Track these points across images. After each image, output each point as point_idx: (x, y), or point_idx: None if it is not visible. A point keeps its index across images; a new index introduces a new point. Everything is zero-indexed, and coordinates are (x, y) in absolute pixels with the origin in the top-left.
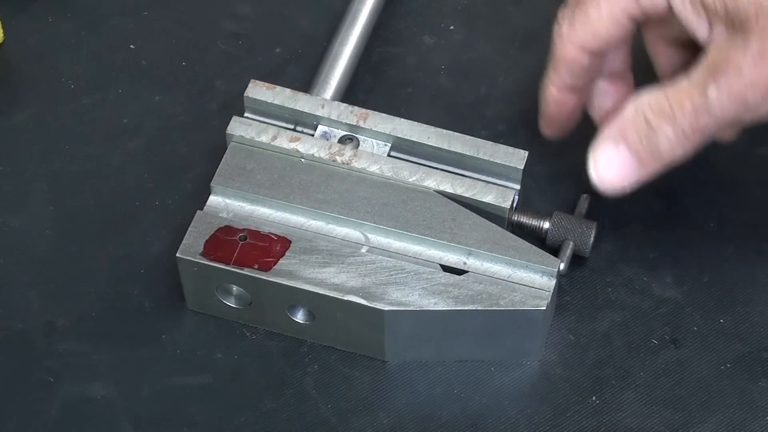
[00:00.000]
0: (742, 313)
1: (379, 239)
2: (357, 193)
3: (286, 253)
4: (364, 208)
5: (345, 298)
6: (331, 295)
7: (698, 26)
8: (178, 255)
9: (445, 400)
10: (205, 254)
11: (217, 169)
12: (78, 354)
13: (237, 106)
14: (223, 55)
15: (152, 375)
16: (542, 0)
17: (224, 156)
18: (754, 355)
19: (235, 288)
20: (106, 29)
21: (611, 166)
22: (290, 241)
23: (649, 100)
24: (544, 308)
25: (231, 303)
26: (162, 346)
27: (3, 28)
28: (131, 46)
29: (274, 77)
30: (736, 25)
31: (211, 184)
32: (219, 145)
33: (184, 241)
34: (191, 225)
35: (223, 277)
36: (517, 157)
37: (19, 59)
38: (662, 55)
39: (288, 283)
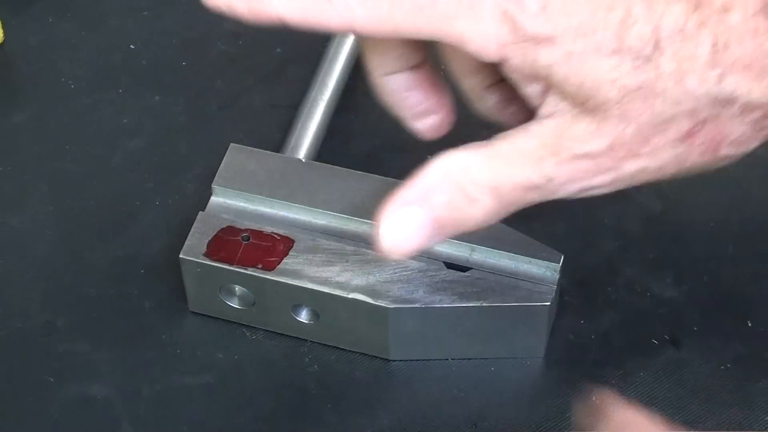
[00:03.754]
0: (742, 313)
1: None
2: (359, 191)
3: (290, 253)
4: (366, 207)
5: (349, 296)
6: (336, 293)
7: (531, 91)
8: (181, 256)
9: (445, 400)
10: (208, 255)
11: (218, 170)
12: (78, 354)
13: (237, 106)
14: (223, 55)
15: (152, 375)
16: None
17: (225, 157)
18: (754, 355)
19: (238, 288)
20: (106, 29)
21: (406, 230)
22: (293, 241)
23: (467, 165)
24: (548, 303)
25: (234, 304)
26: (162, 347)
27: (3, 28)
28: (131, 46)
29: (274, 77)
30: (588, 105)
31: (213, 185)
32: (219, 145)
33: (186, 242)
34: (194, 226)
35: (227, 277)
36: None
37: (19, 59)
38: (463, 71)
39: (292, 283)
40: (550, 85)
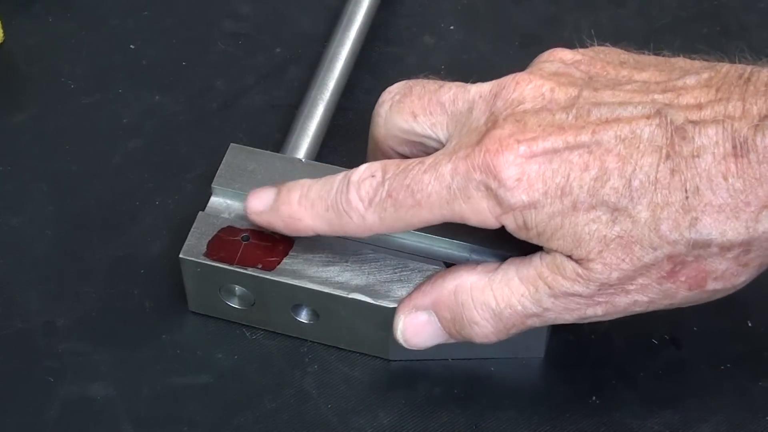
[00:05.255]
0: (742, 313)
1: (381, 236)
2: None
3: (290, 253)
4: None
5: (350, 297)
6: (336, 293)
7: (534, 240)
8: (181, 256)
9: (445, 400)
10: (208, 255)
11: (218, 170)
12: (78, 354)
13: (237, 106)
14: (223, 55)
15: (152, 375)
16: (542, 0)
17: (224, 157)
18: (754, 355)
19: (238, 288)
20: (106, 29)
21: (421, 334)
22: (293, 241)
23: (472, 287)
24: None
25: (234, 304)
26: (162, 346)
27: (3, 28)
28: (131, 46)
29: (274, 77)
30: (574, 256)
31: (212, 185)
32: (219, 145)
33: (186, 242)
34: (193, 226)
35: (227, 277)
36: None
37: (19, 59)
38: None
39: (292, 282)
40: (543, 243)
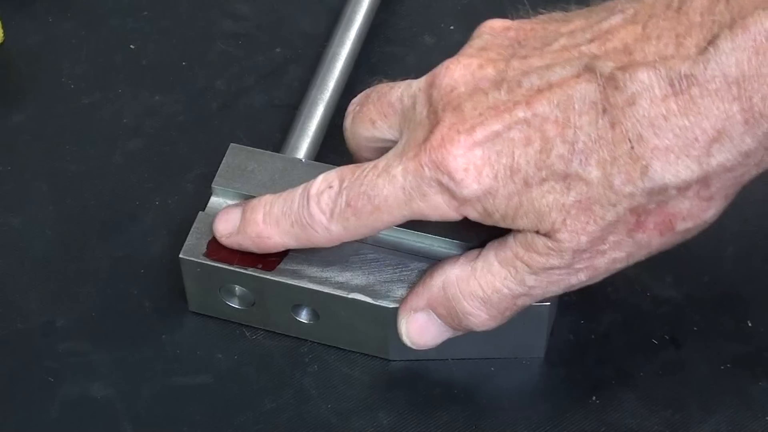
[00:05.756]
0: (742, 313)
1: (381, 236)
2: None
3: (290, 253)
4: None
5: (350, 296)
6: (336, 293)
7: (501, 223)
8: (181, 256)
9: (445, 400)
10: (208, 255)
11: (218, 170)
12: (78, 354)
13: (237, 106)
14: (223, 55)
15: (152, 375)
16: (542, 0)
17: (224, 157)
18: (754, 355)
19: (238, 288)
20: (106, 29)
21: (426, 333)
22: None
23: (457, 280)
24: (548, 303)
25: (234, 304)
26: (162, 347)
27: (3, 28)
28: (131, 46)
29: (274, 77)
30: (541, 230)
31: (212, 185)
32: (219, 145)
33: (186, 242)
34: (193, 226)
35: (227, 277)
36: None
37: (19, 59)
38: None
39: (292, 283)
40: (513, 226)
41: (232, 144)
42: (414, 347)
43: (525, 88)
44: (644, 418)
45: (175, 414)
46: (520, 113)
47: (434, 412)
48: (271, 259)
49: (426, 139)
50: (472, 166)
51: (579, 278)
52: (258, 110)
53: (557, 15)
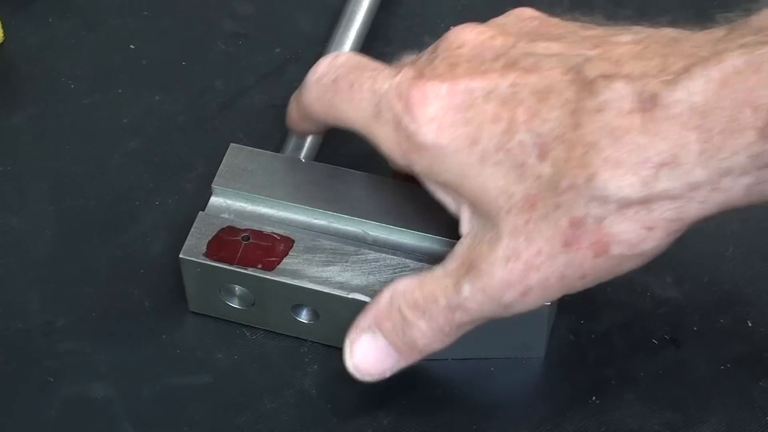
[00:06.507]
0: (742, 313)
1: (382, 237)
2: (359, 191)
3: (290, 253)
4: (366, 206)
5: (349, 296)
6: (336, 293)
7: (445, 200)
8: (181, 256)
9: (445, 400)
10: (208, 255)
11: (218, 170)
12: (78, 354)
13: (237, 106)
14: (223, 55)
15: (152, 375)
16: (542, 0)
17: (225, 157)
18: (754, 355)
19: (238, 288)
20: (106, 29)
21: (369, 356)
22: (293, 241)
23: (404, 290)
24: (548, 303)
25: (234, 304)
26: (162, 346)
27: (3, 28)
28: (131, 46)
29: (274, 77)
30: (485, 218)
31: (212, 185)
32: (219, 145)
33: (186, 242)
34: (193, 226)
35: (227, 277)
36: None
37: (19, 59)
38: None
39: (292, 282)
40: (456, 196)
41: (232, 144)
42: (358, 375)
43: (519, 66)
44: (644, 418)
45: (175, 414)
46: (502, 86)
47: (434, 412)
48: (271, 259)
49: (413, 78)
50: (439, 119)
51: (511, 295)
52: (258, 110)
53: (586, 24)
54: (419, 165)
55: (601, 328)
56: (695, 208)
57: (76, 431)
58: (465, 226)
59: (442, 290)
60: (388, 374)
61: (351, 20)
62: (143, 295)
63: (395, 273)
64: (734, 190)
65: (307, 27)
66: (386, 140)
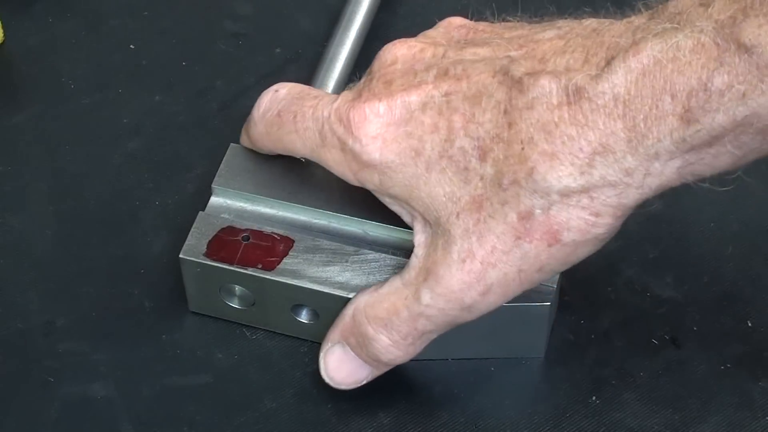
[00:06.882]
0: (742, 313)
1: (382, 237)
2: (359, 191)
3: (290, 253)
4: (366, 207)
5: (349, 296)
6: (336, 293)
7: (400, 212)
8: (181, 256)
9: (445, 400)
10: (208, 255)
11: (218, 170)
12: (78, 354)
13: (237, 106)
14: (223, 55)
15: (152, 375)
16: (541, 0)
17: (225, 157)
18: (754, 355)
19: (238, 288)
20: (106, 29)
21: (341, 368)
22: (293, 241)
23: (365, 305)
24: (548, 303)
25: (234, 304)
26: (162, 346)
27: (3, 28)
28: (131, 46)
29: (274, 77)
30: (436, 225)
31: (212, 185)
32: (219, 145)
33: (186, 242)
34: (193, 226)
35: (227, 277)
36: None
37: (19, 59)
38: None
39: (292, 282)
40: (409, 208)
41: (232, 144)
42: (333, 384)
43: (450, 75)
44: (644, 418)
45: (175, 414)
46: (436, 97)
47: (434, 412)
48: (271, 259)
49: (353, 99)
50: (381, 137)
51: (472, 296)
52: None
53: (512, 23)
54: (371, 182)
55: (601, 328)
56: (634, 192)
57: (76, 431)
58: (419, 236)
59: (402, 301)
60: (364, 382)
61: (351, 20)
62: (143, 295)
63: (395, 273)
64: (666, 174)
65: (307, 27)
66: (336, 164)
